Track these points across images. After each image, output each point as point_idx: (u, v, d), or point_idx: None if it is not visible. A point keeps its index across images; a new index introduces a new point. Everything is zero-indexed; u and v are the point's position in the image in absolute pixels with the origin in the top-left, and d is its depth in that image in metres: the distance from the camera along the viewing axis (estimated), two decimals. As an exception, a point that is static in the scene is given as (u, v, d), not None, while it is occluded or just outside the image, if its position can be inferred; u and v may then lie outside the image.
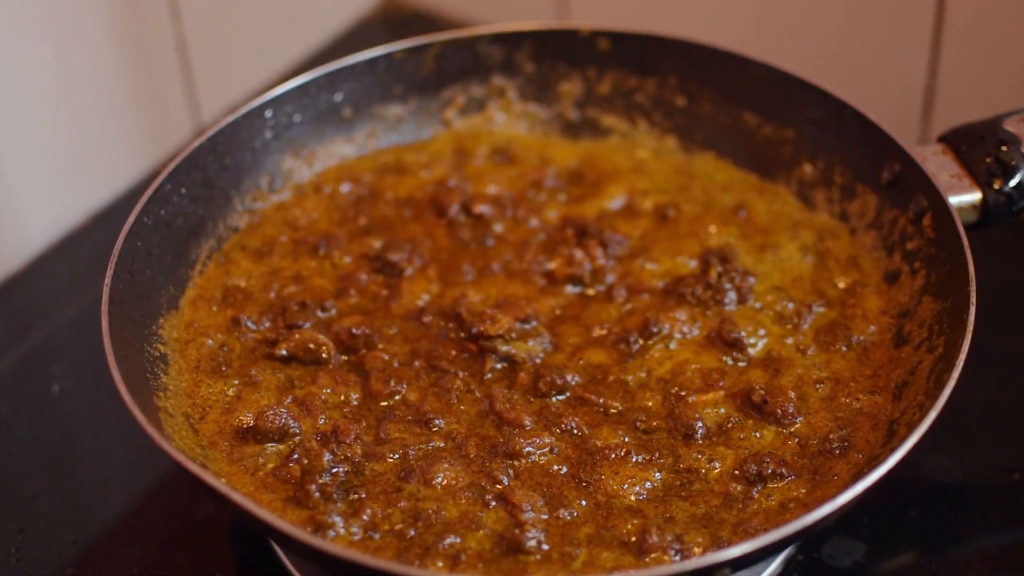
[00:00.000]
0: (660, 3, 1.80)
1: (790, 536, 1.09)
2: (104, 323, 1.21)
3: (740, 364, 1.31)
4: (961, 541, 1.33)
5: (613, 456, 1.22)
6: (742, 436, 1.25)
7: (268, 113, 1.50)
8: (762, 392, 1.26)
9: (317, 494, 1.18)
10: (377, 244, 1.44)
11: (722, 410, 1.27)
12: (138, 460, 1.42)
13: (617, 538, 1.16)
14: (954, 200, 1.33)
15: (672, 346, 1.33)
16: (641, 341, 1.33)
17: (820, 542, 1.30)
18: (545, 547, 1.15)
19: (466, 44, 1.58)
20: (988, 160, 1.35)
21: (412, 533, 1.16)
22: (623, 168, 1.55)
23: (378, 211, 1.50)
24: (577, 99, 1.60)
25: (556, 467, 1.22)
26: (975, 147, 1.36)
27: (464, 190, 1.50)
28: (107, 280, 1.25)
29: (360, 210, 1.50)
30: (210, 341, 1.34)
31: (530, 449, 1.23)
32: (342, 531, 1.16)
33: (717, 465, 1.22)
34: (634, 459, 1.22)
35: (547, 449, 1.23)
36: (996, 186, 1.34)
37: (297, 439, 1.24)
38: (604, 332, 1.34)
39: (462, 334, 1.33)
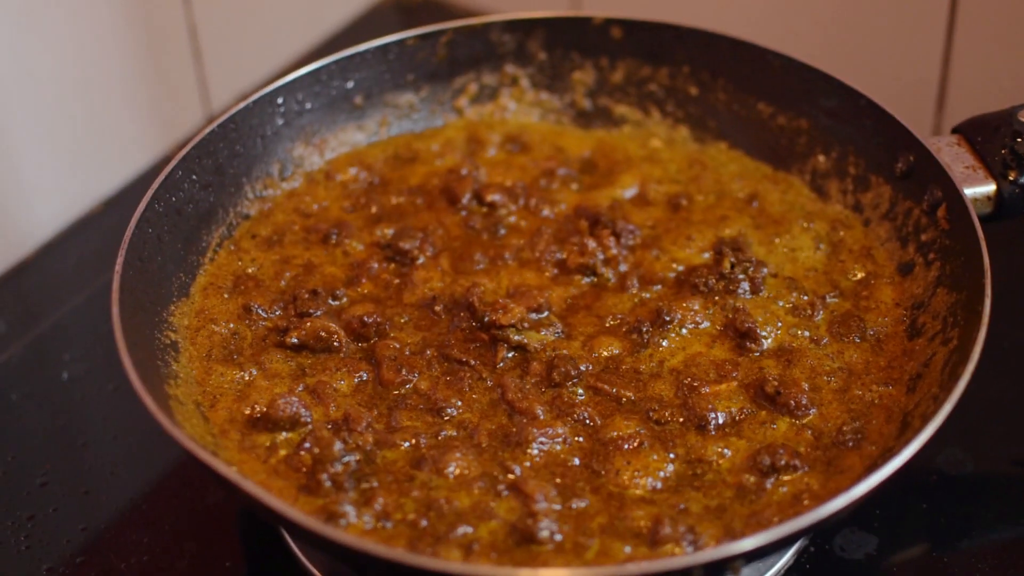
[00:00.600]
0: (673, -8, 1.79)
1: (804, 528, 1.08)
2: (114, 310, 1.21)
3: (753, 355, 1.31)
4: (972, 534, 1.32)
5: (626, 446, 1.22)
6: (755, 427, 1.24)
7: (279, 100, 1.49)
8: (775, 383, 1.26)
9: (329, 483, 1.18)
10: (389, 232, 1.44)
11: (735, 401, 1.26)
12: (148, 447, 1.42)
13: (630, 529, 1.15)
14: (969, 191, 1.32)
15: (685, 333, 1.33)
16: (653, 331, 1.32)
17: (832, 534, 1.30)
18: (558, 537, 1.14)
19: (478, 32, 1.58)
20: (1003, 152, 1.34)
21: (424, 523, 1.15)
22: (636, 157, 1.54)
23: (389, 199, 1.49)
24: (590, 88, 1.59)
25: (569, 457, 1.22)
26: (990, 138, 1.36)
27: (476, 179, 1.50)
28: (117, 267, 1.25)
29: (371, 198, 1.49)
30: (221, 329, 1.34)
31: (543, 439, 1.22)
32: (354, 520, 1.15)
33: (730, 455, 1.22)
34: (647, 450, 1.22)
35: (560, 439, 1.23)
36: (1011, 178, 1.33)
37: (308, 427, 1.24)
38: (616, 322, 1.34)
39: (474, 323, 1.33)
